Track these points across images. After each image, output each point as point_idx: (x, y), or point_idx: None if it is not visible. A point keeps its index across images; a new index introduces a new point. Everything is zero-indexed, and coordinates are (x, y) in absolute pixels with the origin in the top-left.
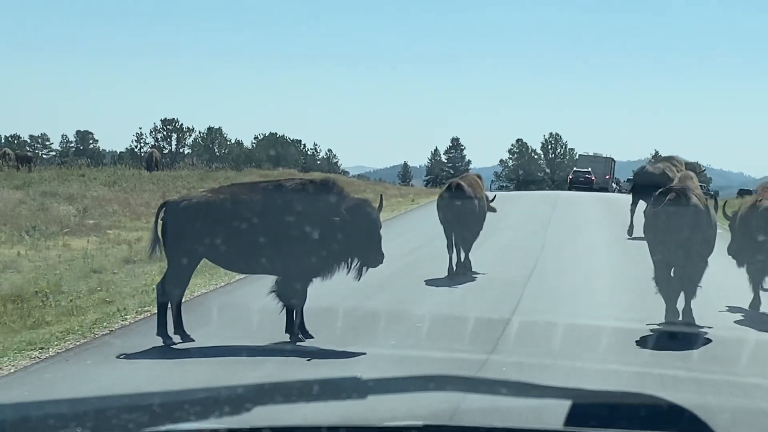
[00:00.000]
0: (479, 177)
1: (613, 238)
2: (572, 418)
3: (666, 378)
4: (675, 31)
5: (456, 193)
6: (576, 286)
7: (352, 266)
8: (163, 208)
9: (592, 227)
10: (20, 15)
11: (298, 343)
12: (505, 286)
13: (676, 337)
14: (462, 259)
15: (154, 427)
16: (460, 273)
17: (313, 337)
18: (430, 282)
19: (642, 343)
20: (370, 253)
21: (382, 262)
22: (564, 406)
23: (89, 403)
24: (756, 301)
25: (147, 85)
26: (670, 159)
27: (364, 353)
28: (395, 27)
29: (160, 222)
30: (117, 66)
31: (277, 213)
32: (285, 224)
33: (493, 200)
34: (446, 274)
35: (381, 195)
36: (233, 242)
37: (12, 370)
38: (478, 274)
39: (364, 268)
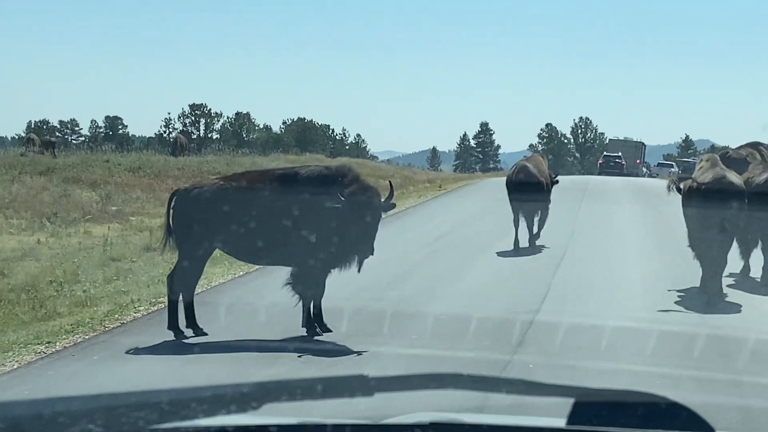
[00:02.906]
0: (543, 156)
1: (645, 226)
2: (575, 417)
3: (702, 380)
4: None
5: (523, 173)
6: (606, 277)
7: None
8: (174, 197)
9: (623, 214)
10: (51, 1)
11: (315, 338)
12: (533, 277)
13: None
14: (533, 235)
15: (162, 424)
16: (530, 246)
17: (331, 331)
18: (454, 272)
19: (676, 343)
20: (360, 244)
21: (370, 255)
22: (569, 404)
23: (100, 400)
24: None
25: (176, 71)
26: (755, 145)
27: (379, 351)
28: (425, 10)
29: (171, 211)
30: (146, 51)
31: (291, 201)
32: (298, 213)
33: (556, 179)
34: (512, 247)
35: (390, 182)
36: (246, 232)
37: (15, 366)
38: (545, 248)
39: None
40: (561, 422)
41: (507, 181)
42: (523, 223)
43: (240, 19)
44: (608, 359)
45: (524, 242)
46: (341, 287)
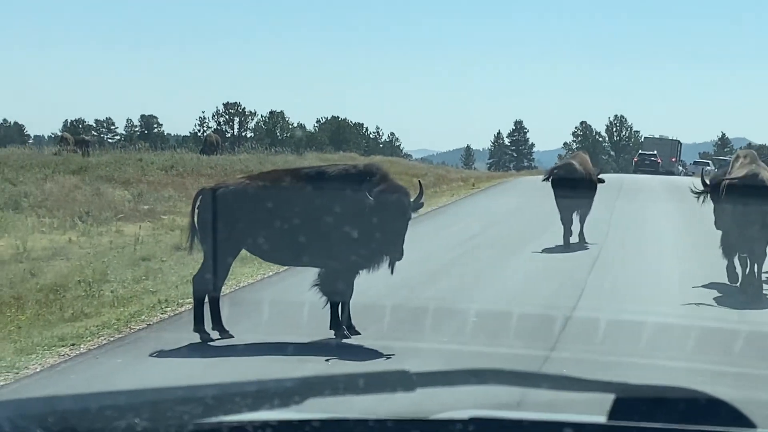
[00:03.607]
0: (587, 153)
1: (681, 225)
2: (615, 412)
3: (743, 376)
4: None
5: (568, 171)
6: (642, 275)
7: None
8: (199, 197)
9: (659, 213)
10: (86, 2)
11: (343, 340)
12: (568, 276)
13: None
14: (579, 231)
15: (207, 419)
16: (579, 242)
17: (360, 334)
18: (488, 271)
19: (716, 339)
20: (389, 245)
21: (400, 257)
22: (608, 400)
23: (145, 395)
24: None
25: (211, 69)
26: None
27: (415, 348)
28: (460, 9)
29: (196, 211)
30: (181, 50)
31: (317, 201)
32: (325, 213)
33: (599, 176)
34: (562, 243)
35: (419, 181)
36: (272, 232)
37: (38, 369)
38: (580, 246)
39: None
40: (602, 418)
41: (552, 178)
42: (567, 220)
43: (275, 18)
44: (647, 356)
45: (559, 240)
46: (373, 286)
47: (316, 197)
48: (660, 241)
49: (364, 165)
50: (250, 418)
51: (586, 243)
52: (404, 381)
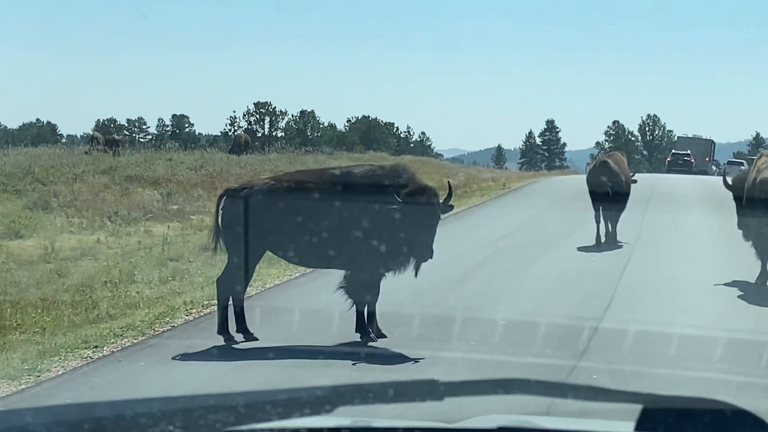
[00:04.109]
0: (623, 153)
1: (716, 226)
2: (643, 423)
3: None
4: None
5: (603, 169)
6: (673, 280)
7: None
8: (223, 197)
9: (692, 214)
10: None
11: (369, 344)
12: (597, 281)
13: None
14: (611, 231)
15: (238, 426)
16: (610, 242)
17: (386, 337)
18: (516, 275)
19: (746, 350)
20: (419, 247)
21: (429, 259)
22: (634, 410)
23: (178, 402)
24: (764, 276)
25: (242, 69)
26: None
27: (440, 356)
28: (491, 8)
29: (220, 212)
30: (213, 50)
31: (344, 202)
32: (351, 214)
33: (633, 176)
34: (593, 242)
35: (449, 182)
36: (297, 234)
37: (60, 372)
38: (610, 249)
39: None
40: (629, 427)
41: (587, 177)
42: (601, 220)
43: (306, 16)
44: (675, 366)
45: (588, 241)
46: (399, 289)
47: (342, 198)
48: (694, 242)
49: (390, 165)
50: (281, 425)
51: (619, 243)
52: (433, 390)
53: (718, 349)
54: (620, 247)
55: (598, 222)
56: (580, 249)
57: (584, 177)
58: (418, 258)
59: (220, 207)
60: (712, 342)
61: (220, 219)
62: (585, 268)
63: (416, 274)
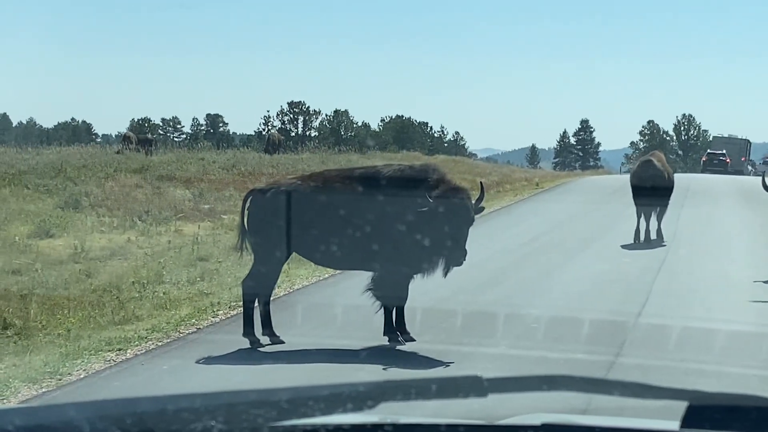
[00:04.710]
0: (662, 152)
1: (752, 226)
2: (688, 420)
3: None
4: None
5: (649, 165)
6: (710, 279)
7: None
8: (249, 197)
9: (728, 213)
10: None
11: (397, 347)
12: (633, 280)
13: None
14: (656, 229)
15: (281, 422)
16: (656, 237)
17: (414, 340)
18: (550, 274)
19: None
20: (452, 250)
21: (462, 262)
22: (677, 407)
23: (221, 398)
24: None
25: (276, 69)
26: None
27: (477, 353)
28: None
29: (245, 212)
30: (247, 50)
31: (372, 202)
32: (379, 215)
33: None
34: (631, 241)
35: (481, 183)
36: (324, 235)
37: (82, 376)
38: (646, 249)
39: (449, 266)
40: (675, 425)
41: (633, 173)
42: (643, 219)
43: (340, 18)
44: (717, 362)
45: (624, 241)
46: (432, 289)
47: (371, 199)
48: (729, 243)
49: (420, 165)
50: (324, 421)
51: (644, 248)
52: (476, 386)
53: (760, 345)
54: (661, 243)
55: (639, 218)
56: (615, 248)
57: (618, 177)
58: (449, 260)
59: (246, 207)
60: (751, 339)
61: (245, 219)
62: (620, 268)
63: (445, 275)
